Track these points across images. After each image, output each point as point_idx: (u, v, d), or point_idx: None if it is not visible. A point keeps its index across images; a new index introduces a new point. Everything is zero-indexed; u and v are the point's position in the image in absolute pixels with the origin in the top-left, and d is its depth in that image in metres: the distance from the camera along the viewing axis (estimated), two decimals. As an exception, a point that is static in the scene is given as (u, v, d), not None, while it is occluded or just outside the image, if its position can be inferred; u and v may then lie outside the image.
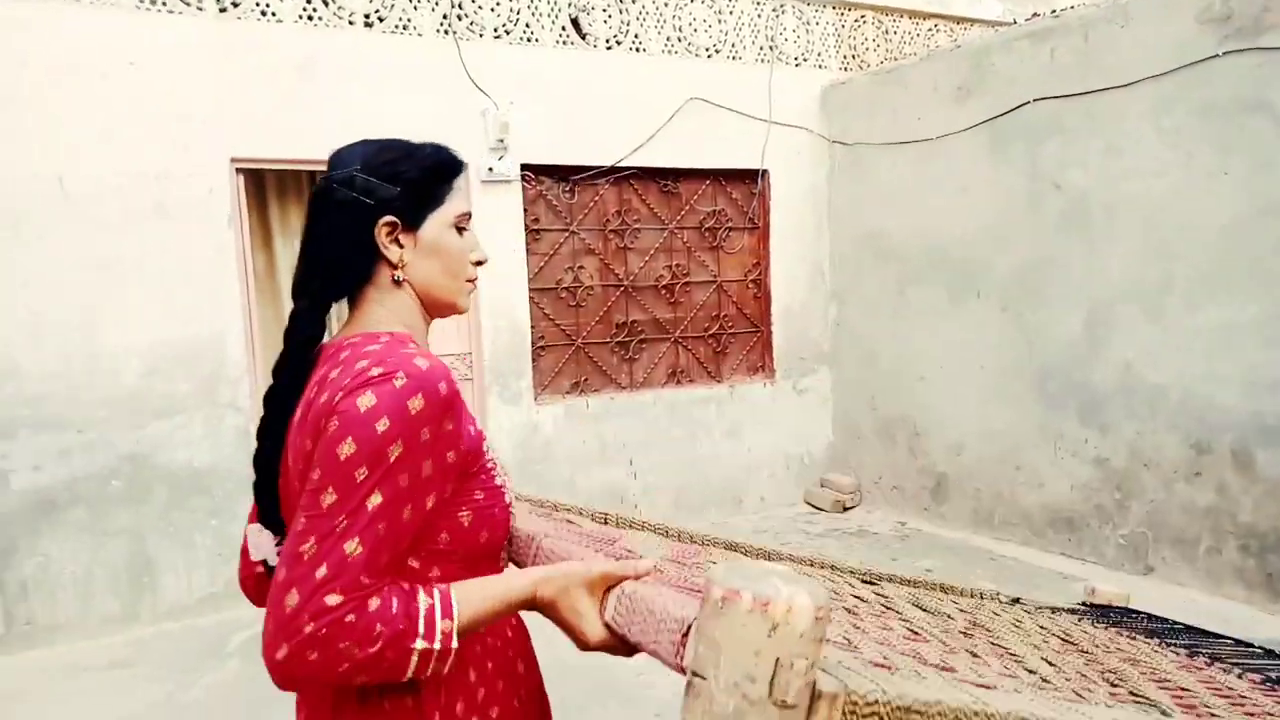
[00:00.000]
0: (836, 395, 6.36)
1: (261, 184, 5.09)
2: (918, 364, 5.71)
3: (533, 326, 5.35)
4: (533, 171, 5.29)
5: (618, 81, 5.44)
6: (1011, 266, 5.08)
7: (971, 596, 1.75)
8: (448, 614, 0.99)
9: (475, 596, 1.03)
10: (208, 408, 4.43)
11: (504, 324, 5.18)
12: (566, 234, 5.48)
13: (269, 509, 1.18)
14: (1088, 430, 4.73)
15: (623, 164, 5.50)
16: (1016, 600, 1.74)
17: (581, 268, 5.55)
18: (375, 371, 1.03)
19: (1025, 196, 4.96)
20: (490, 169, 5.06)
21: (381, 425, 0.99)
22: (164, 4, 4.30)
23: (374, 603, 0.96)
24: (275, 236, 5.17)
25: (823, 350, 6.34)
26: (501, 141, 5.08)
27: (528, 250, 5.30)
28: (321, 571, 0.95)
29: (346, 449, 0.98)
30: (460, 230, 1.23)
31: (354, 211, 1.16)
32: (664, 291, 5.83)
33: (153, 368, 4.31)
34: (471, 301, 4.56)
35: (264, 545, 1.19)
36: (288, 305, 4.59)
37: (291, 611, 0.94)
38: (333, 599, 0.94)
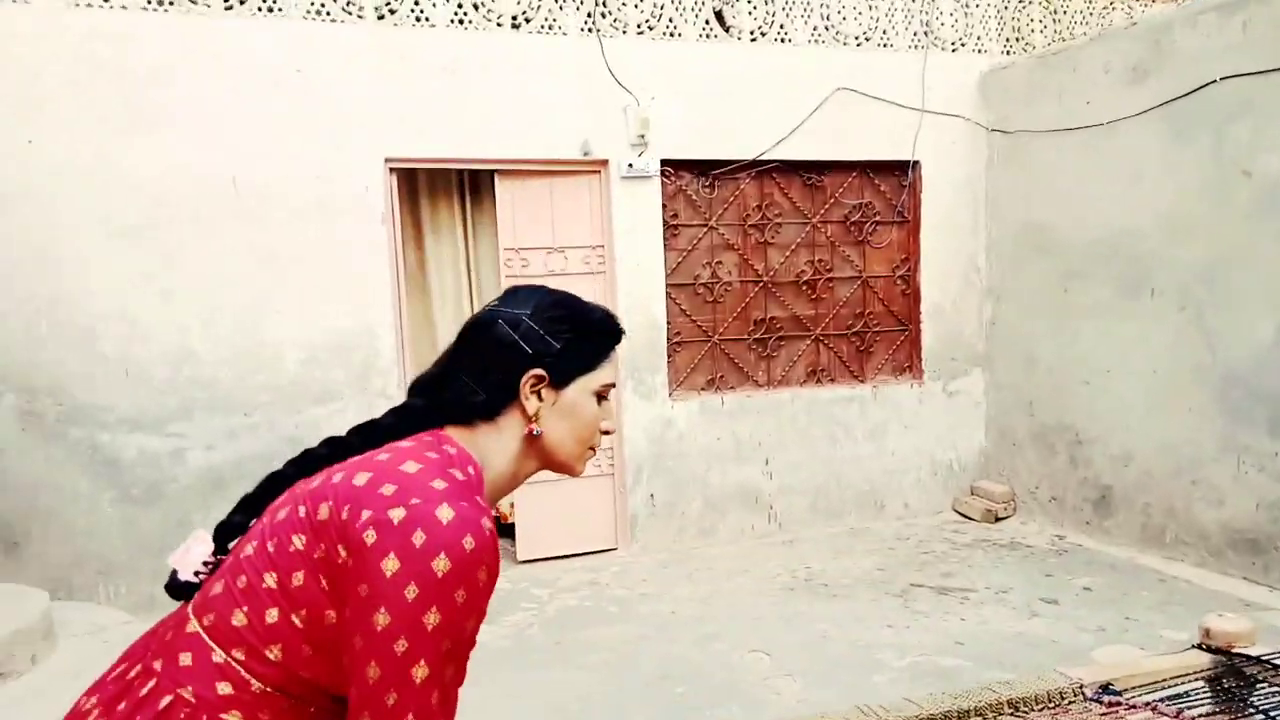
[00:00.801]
0: (990, 399, 6.00)
1: (414, 182, 5.33)
2: (1081, 367, 5.30)
3: (669, 323, 5.34)
4: (672, 166, 5.28)
5: (761, 73, 5.34)
6: (1192, 262, 4.62)
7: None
8: None
9: None
10: (360, 396, 4.68)
11: (640, 320, 5.20)
12: (705, 229, 5.43)
13: (232, 528, 1.19)
14: (1278, 444, 4.24)
15: (765, 157, 5.40)
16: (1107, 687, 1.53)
17: (719, 263, 5.49)
18: (445, 516, 0.99)
19: (1209, 184, 4.50)
20: (630, 165, 5.09)
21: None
22: (329, 13, 4.57)
23: None
24: (426, 234, 5.40)
25: (976, 351, 6.00)
26: (642, 137, 5.10)
27: (665, 246, 5.30)
28: None
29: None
30: (600, 399, 1.23)
31: (510, 353, 1.16)
32: (805, 288, 5.69)
33: (311, 357, 4.60)
34: (607, 297, 4.56)
35: (195, 555, 1.19)
36: (437, 300, 4.79)
37: None
38: None
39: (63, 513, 4.26)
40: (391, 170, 4.76)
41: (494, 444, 1.18)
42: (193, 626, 1.07)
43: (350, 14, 4.61)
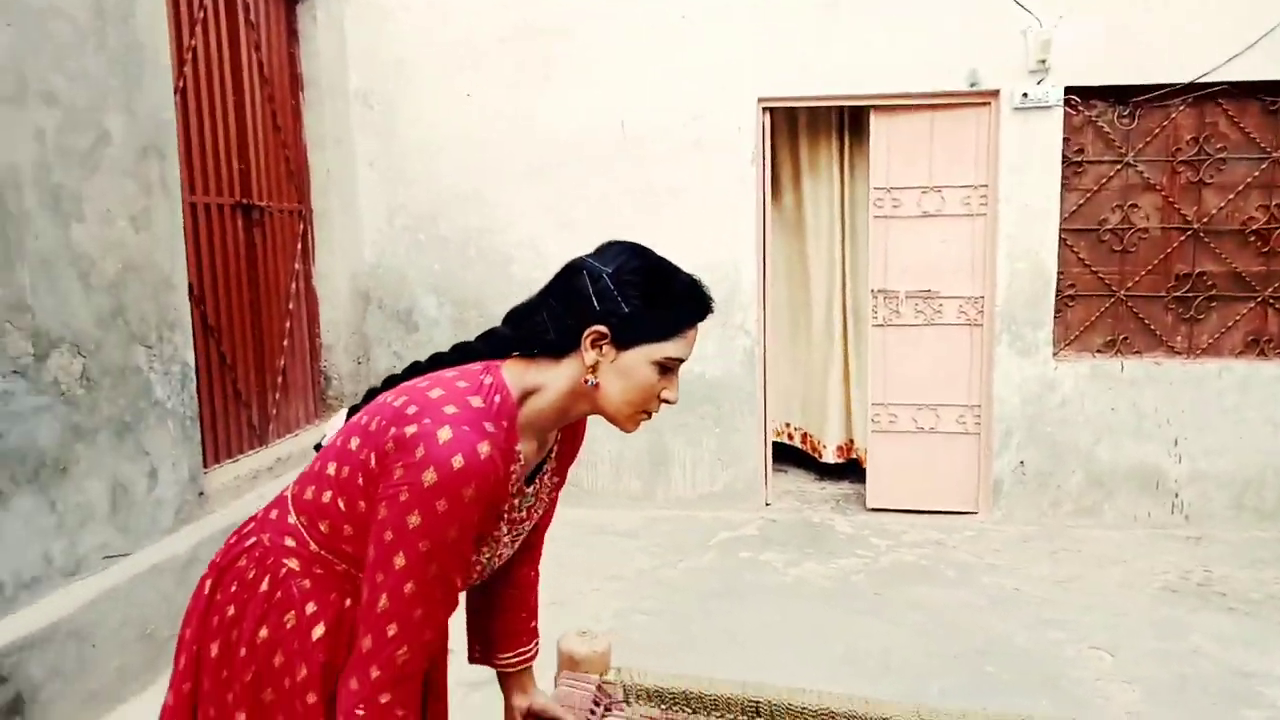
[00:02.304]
0: None
1: (794, 122, 5.36)
2: None
3: (1061, 272, 4.75)
4: (1079, 95, 4.62)
5: (1213, -24, 4.41)
6: None
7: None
8: None
9: None
10: (720, 328, 4.92)
11: (1024, 267, 4.70)
12: (1118, 166, 4.69)
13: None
14: None
15: (1209, 79, 4.49)
16: None
17: (1134, 206, 4.72)
18: (450, 459, 1.12)
19: None
20: (1025, 95, 4.56)
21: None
22: (718, -42, 4.73)
23: None
24: (803, 172, 5.41)
25: None
26: (1042, 63, 4.53)
27: (1064, 185, 4.69)
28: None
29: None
30: (664, 369, 1.25)
31: (583, 305, 1.23)
32: (1253, 238, 4.66)
33: (679, 288, 4.92)
34: (987, 241, 4.19)
35: (331, 430, 1.38)
36: (812, 239, 4.91)
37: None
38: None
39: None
40: (764, 110, 4.84)
41: (549, 379, 1.27)
42: (287, 491, 1.34)
43: (739, -44, 4.73)
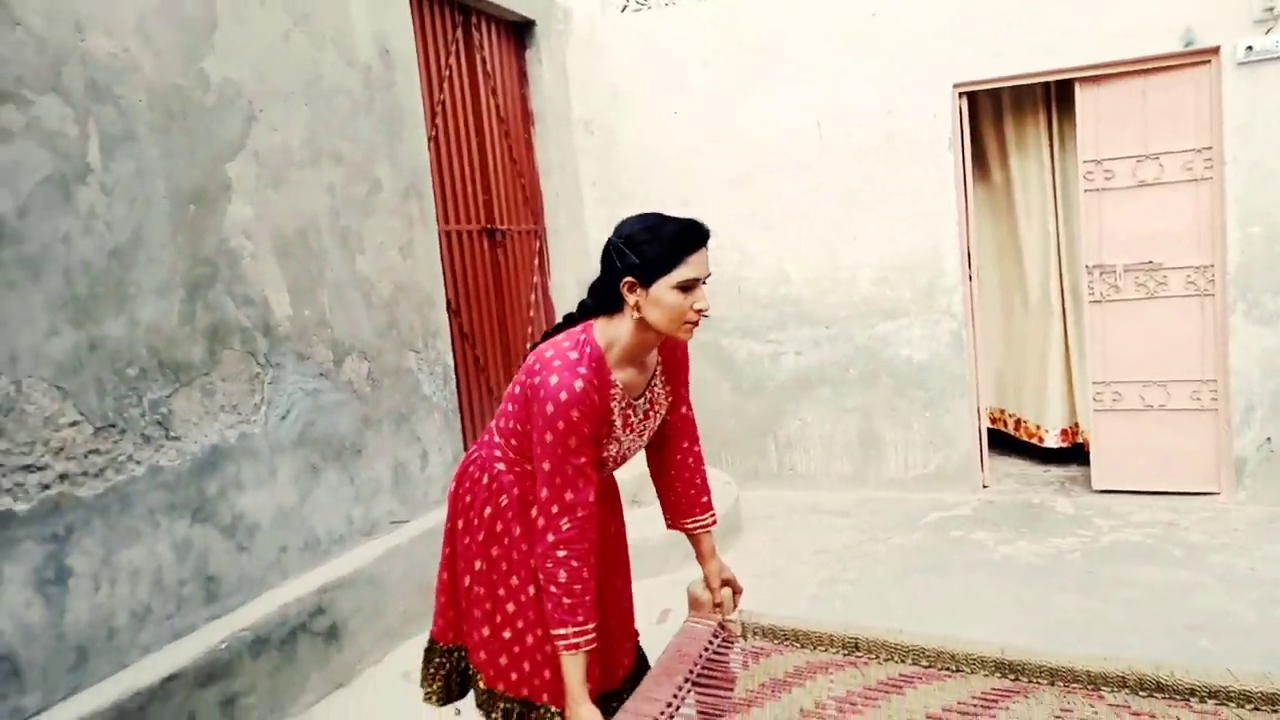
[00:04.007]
0: None
1: (999, 101, 5.31)
2: None
3: (1305, 232, 4.40)
4: (1315, 40, 4.27)
5: None
6: None
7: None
8: (571, 648, 1.72)
9: (576, 666, 1.73)
10: (925, 313, 5.01)
11: (1258, 231, 4.40)
12: (1371, 112, 4.27)
13: None
14: None
15: None
16: None
17: (1395, 154, 4.27)
18: (558, 393, 1.71)
19: None
20: (1249, 47, 4.29)
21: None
22: (908, -48, 4.85)
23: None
24: (1010, 152, 5.34)
25: None
26: (1271, 10, 4.24)
27: (1305, 139, 4.34)
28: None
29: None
30: (686, 289, 1.71)
31: (612, 268, 1.77)
32: None
33: (881, 277, 5.08)
34: (1214, 206, 4.05)
35: None
36: (1023, 219, 5.55)
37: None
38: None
39: (698, 397, 5.57)
40: (961, 95, 4.88)
41: (622, 326, 1.80)
42: (492, 423, 1.97)
43: (926, -53, 4.82)
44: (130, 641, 2.68)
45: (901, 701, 1.76)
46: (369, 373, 3.74)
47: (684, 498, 2.10)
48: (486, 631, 1.96)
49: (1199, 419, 4.68)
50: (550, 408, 1.69)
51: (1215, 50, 4.39)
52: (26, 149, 2.51)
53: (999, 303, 5.63)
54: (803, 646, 1.96)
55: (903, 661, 1.89)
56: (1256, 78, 4.34)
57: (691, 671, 1.87)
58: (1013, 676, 1.79)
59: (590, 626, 1.73)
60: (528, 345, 5.26)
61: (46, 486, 2.48)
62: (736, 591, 2.07)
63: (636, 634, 2.21)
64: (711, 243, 1.82)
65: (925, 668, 1.87)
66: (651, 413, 1.94)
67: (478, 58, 4.91)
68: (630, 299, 1.74)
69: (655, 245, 1.71)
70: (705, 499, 2.11)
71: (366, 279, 3.76)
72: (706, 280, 1.74)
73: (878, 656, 1.91)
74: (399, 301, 3.95)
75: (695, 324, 1.76)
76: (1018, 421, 5.62)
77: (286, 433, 3.30)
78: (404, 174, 4.04)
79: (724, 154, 5.31)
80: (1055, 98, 5.11)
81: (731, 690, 1.86)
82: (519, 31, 5.38)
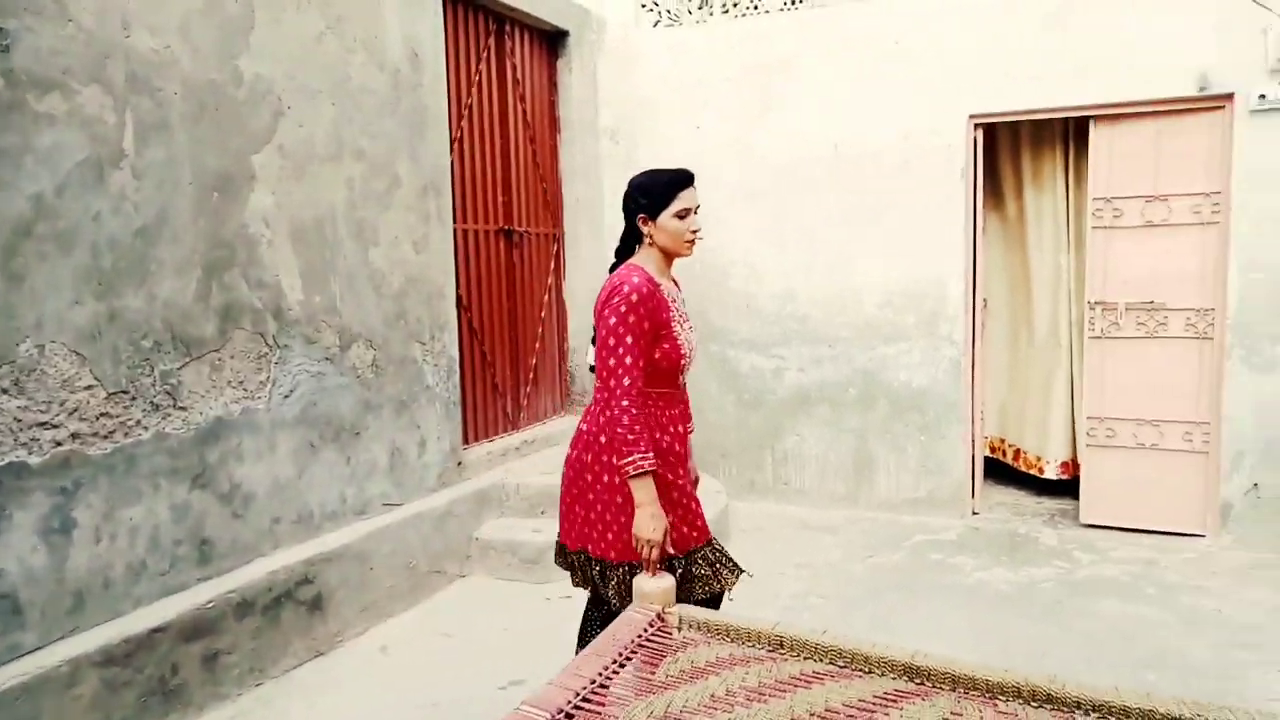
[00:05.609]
0: None
1: (1017, 137, 5.38)
2: None
3: (1308, 284, 4.41)
4: (1328, 93, 4.29)
5: None
6: None
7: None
8: (639, 469, 2.26)
9: (644, 486, 2.26)
10: (927, 339, 5.09)
11: (1261, 278, 4.42)
12: (1382, 168, 4.28)
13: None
14: None
15: None
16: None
17: (1404, 211, 4.27)
18: (623, 287, 2.33)
19: None
20: (1262, 96, 4.32)
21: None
22: (934, -16, 4.95)
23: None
24: (1026, 185, 5.40)
25: None
26: (1284, 61, 4.28)
27: (1313, 190, 4.36)
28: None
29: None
30: (681, 216, 2.41)
31: (630, 210, 2.46)
32: None
33: (886, 301, 5.17)
34: (1219, 251, 4.09)
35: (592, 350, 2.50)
36: (1035, 252, 5.86)
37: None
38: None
39: (701, 407, 5.70)
40: (976, 125, 4.96)
41: (649, 252, 2.46)
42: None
43: (950, -20, 4.91)
44: (124, 593, 2.89)
45: (806, 695, 1.89)
46: (374, 360, 3.94)
47: None
48: (609, 519, 2.44)
49: (1190, 461, 4.71)
50: (617, 299, 2.29)
51: (1229, 97, 4.43)
52: (67, 134, 2.74)
53: (1007, 333, 5.68)
54: (731, 641, 2.10)
55: (820, 660, 2.02)
56: (1269, 126, 4.37)
57: (620, 654, 2.02)
58: (917, 680, 1.91)
59: (651, 454, 2.26)
60: (536, 345, 5.45)
61: (59, 444, 2.70)
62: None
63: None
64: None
65: (840, 667, 2.00)
66: (687, 315, 2.52)
67: (508, 64, 5.11)
68: (645, 230, 2.42)
69: (657, 187, 2.39)
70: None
71: (379, 270, 3.96)
72: (697, 211, 2.43)
73: (798, 654, 2.04)
74: (409, 294, 4.14)
75: (692, 242, 2.44)
76: (1017, 452, 5.67)
77: (288, 410, 3.50)
78: (424, 172, 4.24)
79: (741, 170, 5.44)
80: (1073, 135, 5.16)
81: (653, 675, 2.01)
82: (552, 41, 5.56)
